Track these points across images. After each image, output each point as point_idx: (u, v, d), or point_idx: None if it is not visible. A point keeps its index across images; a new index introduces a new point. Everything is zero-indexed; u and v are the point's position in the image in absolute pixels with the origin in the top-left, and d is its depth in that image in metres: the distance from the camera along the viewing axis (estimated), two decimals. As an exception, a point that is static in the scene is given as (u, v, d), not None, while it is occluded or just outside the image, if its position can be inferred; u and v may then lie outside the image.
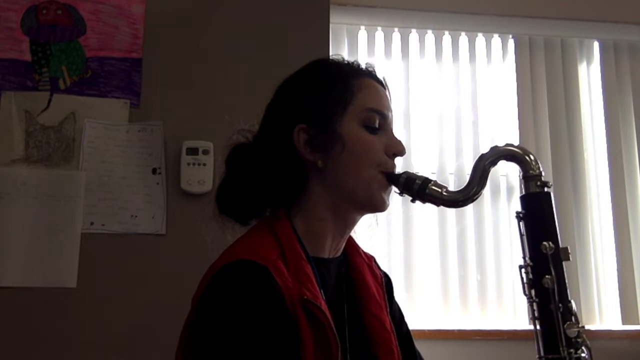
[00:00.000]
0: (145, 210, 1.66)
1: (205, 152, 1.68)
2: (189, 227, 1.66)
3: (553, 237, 0.84)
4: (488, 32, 2.52)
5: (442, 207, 0.92)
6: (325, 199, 0.91)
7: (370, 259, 1.04)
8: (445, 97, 2.47)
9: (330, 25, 1.83)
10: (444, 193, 0.89)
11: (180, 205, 1.67)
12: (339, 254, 0.97)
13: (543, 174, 0.87)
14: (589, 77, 2.58)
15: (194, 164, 1.67)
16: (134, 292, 1.62)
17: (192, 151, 1.67)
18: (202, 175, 1.67)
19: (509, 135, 2.45)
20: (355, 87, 0.92)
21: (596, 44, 2.57)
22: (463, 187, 0.90)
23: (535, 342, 0.84)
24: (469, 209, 2.38)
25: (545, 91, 2.49)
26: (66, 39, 1.72)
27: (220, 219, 0.95)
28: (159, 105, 1.71)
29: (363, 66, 0.97)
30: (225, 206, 0.95)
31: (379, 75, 0.97)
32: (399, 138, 0.94)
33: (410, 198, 0.91)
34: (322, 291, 0.86)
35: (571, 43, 2.55)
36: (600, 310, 2.37)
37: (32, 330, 1.58)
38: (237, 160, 0.96)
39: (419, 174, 0.90)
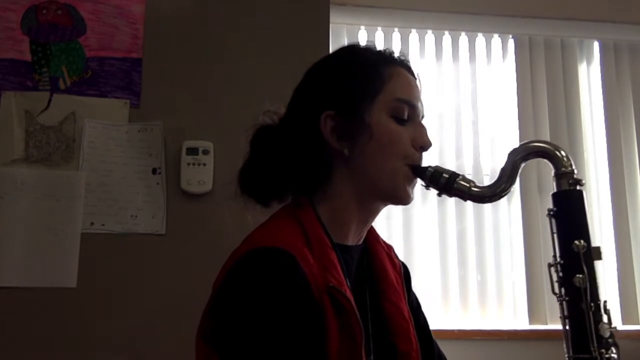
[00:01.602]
0: (145, 210, 1.66)
1: (205, 152, 1.68)
2: (189, 227, 1.67)
3: (585, 236, 0.83)
4: (488, 32, 2.52)
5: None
6: (350, 188, 0.90)
7: (390, 248, 1.04)
8: (445, 97, 2.47)
9: (330, 25, 1.83)
10: (472, 188, 0.88)
11: (180, 205, 1.67)
12: (360, 241, 0.96)
13: (575, 171, 0.86)
14: (589, 77, 2.58)
15: (194, 164, 1.67)
16: (134, 292, 1.62)
17: (192, 151, 1.67)
18: (202, 175, 1.67)
19: (509, 135, 2.45)
20: (386, 76, 0.90)
21: (596, 44, 2.57)
22: (492, 182, 0.89)
23: (565, 341, 0.83)
24: (469, 209, 2.38)
25: (545, 91, 2.49)
26: (66, 39, 1.72)
27: (242, 199, 0.94)
28: (159, 105, 1.71)
29: (395, 55, 0.95)
30: (247, 187, 0.94)
31: (411, 65, 0.95)
32: (427, 131, 0.93)
33: (437, 192, 0.90)
34: (346, 279, 0.85)
35: (571, 43, 2.55)
36: (600, 310, 2.37)
37: (32, 330, 1.58)
38: (262, 142, 0.95)
39: (446, 168, 0.89)
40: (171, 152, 1.69)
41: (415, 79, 0.95)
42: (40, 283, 1.60)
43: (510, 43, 2.53)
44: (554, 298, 2.54)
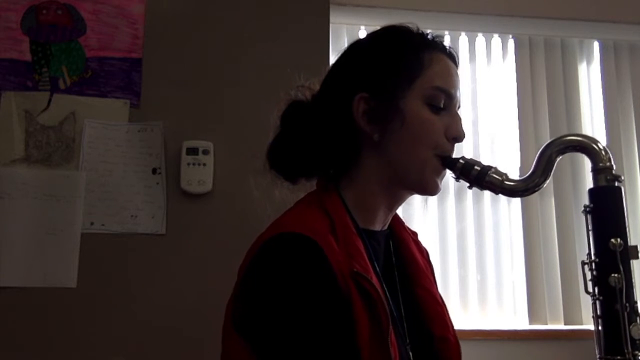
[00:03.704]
0: (145, 210, 1.66)
1: (205, 152, 1.68)
2: (189, 227, 1.67)
3: (622, 234, 0.80)
4: (488, 32, 2.52)
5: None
6: (377, 173, 0.89)
7: (415, 234, 1.03)
8: (445, 97, 2.47)
9: (330, 25, 1.83)
10: (505, 181, 0.85)
11: (180, 205, 1.67)
12: (386, 227, 0.95)
13: (614, 166, 0.83)
14: (589, 77, 2.57)
15: (194, 164, 1.67)
16: (134, 292, 1.62)
17: (192, 151, 1.67)
18: (202, 175, 1.67)
19: (509, 135, 2.45)
20: (426, 62, 0.87)
21: (596, 44, 2.57)
22: (525, 176, 0.86)
23: (596, 342, 0.80)
24: (469, 208, 2.38)
25: (545, 91, 2.49)
26: (66, 39, 1.72)
27: (270, 174, 0.93)
28: (159, 105, 1.71)
29: (438, 39, 0.92)
30: (275, 162, 0.93)
31: (453, 52, 0.93)
32: (462, 121, 0.90)
33: (467, 184, 0.88)
34: (375, 264, 0.84)
35: (571, 43, 2.55)
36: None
37: (32, 330, 1.58)
38: (293, 119, 0.94)
39: (477, 160, 0.87)
40: (171, 152, 1.69)
41: (457, 66, 0.92)
42: (40, 283, 1.60)
43: (510, 43, 2.53)
44: (554, 298, 2.57)
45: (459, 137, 0.89)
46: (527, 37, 2.52)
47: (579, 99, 2.52)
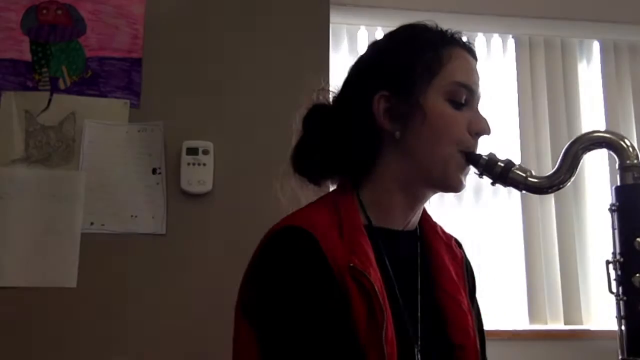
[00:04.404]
0: (145, 210, 1.66)
1: (205, 152, 1.68)
2: (189, 227, 1.67)
3: None
4: (488, 32, 2.52)
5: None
6: (397, 171, 0.89)
7: (450, 238, 1.02)
8: (445, 97, 2.47)
9: (330, 25, 1.83)
10: (529, 178, 0.84)
11: (180, 205, 1.67)
12: (411, 227, 0.95)
13: None
14: (589, 77, 2.58)
15: (194, 164, 1.67)
16: (134, 292, 1.62)
17: (192, 151, 1.67)
18: (202, 175, 1.67)
19: (509, 135, 2.45)
20: (445, 58, 0.87)
21: (596, 44, 2.57)
22: (550, 173, 0.85)
23: (619, 342, 0.79)
24: (469, 208, 2.38)
25: (545, 91, 2.49)
26: (66, 39, 1.72)
27: (295, 178, 0.94)
28: (159, 105, 1.71)
29: (457, 35, 0.92)
30: (298, 166, 0.94)
31: (472, 48, 0.93)
32: (485, 116, 0.89)
33: (491, 180, 0.87)
34: (386, 262, 0.85)
35: (571, 43, 2.55)
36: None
37: (32, 330, 1.58)
38: (314, 122, 0.94)
39: (502, 156, 0.86)
40: (171, 152, 1.69)
41: (477, 62, 0.92)
42: (40, 283, 1.60)
43: (510, 43, 2.53)
44: (554, 298, 2.55)
45: (482, 132, 0.88)
46: (527, 37, 2.52)
47: (579, 99, 2.52)
